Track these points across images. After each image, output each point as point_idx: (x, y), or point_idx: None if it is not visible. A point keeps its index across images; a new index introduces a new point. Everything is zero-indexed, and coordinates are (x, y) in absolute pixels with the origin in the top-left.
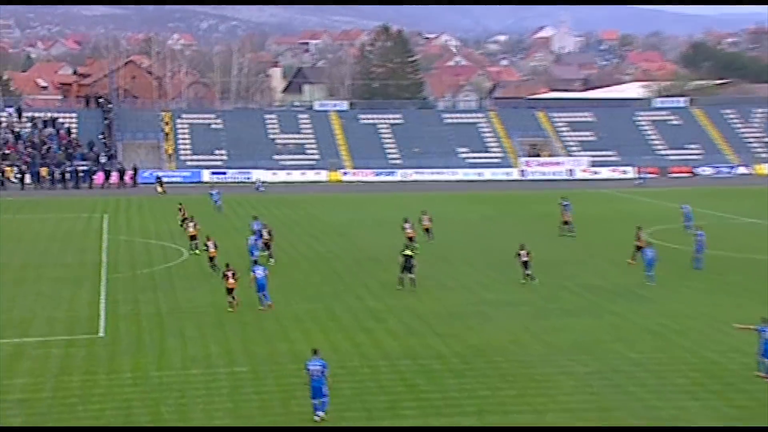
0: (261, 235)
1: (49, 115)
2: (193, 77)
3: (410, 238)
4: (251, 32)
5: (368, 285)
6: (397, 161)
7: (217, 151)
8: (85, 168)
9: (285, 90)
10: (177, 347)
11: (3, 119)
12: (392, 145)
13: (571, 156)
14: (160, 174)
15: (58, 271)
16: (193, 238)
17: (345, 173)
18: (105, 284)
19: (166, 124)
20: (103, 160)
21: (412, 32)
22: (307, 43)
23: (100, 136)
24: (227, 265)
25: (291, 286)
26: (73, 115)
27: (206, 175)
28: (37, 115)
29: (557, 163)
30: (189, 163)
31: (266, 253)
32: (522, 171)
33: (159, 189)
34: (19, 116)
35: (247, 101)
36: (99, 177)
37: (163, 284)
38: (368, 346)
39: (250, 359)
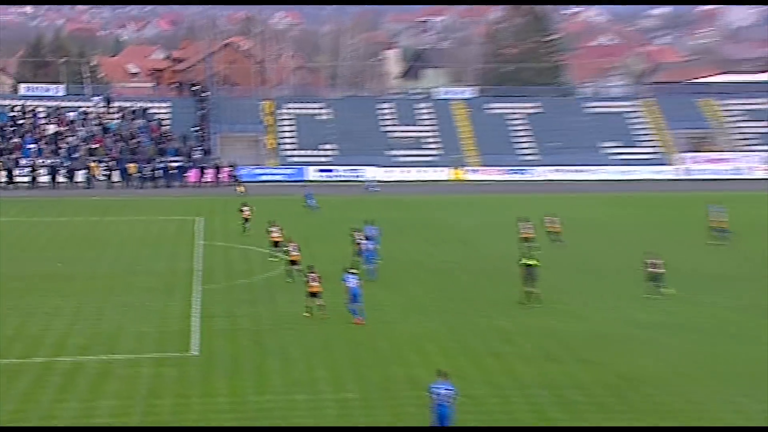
0: (367, 239)
1: (139, 104)
2: (298, 61)
3: (526, 239)
4: (364, 9)
5: (497, 300)
6: (531, 157)
7: (323, 146)
8: (177, 164)
9: (402, 75)
10: (278, 369)
11: (90, 109)
12: (525, 139)
13: (742, 151)
14: (238, 172)
15: (147, 281)
16: (276, 244)
17: (470, 171)
18: (199, 296)
19: (268, 114)
20: (197, 155)
21: (551, 7)
22: (427, 21)
23: (195, 129)
24: (310, 267)
25: (407, 300)
26: (166, 104)
27: (311, 173)
28: (126, 104)
29: (724, 160)
30: (292, 159)
31: (360, 260)
32: (680, 169)
33: (239, 188)
34: (108, 106)
35: (358, 88)
36: (193, 174)
37: (262, 296)
38: (498, 373)
39: (361, 384)
